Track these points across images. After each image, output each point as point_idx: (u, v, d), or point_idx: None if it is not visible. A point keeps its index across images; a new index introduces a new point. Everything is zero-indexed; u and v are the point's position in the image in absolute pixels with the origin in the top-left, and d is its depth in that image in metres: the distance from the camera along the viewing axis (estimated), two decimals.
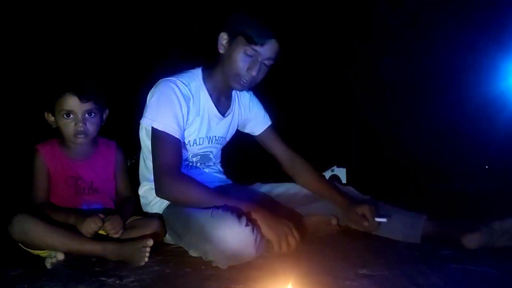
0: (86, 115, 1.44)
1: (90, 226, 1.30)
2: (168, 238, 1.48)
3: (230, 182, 1.71)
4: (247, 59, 1.39)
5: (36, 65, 2.85)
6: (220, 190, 1.50)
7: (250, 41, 1.36)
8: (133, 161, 1.73)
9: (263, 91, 1.64)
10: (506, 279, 1.13)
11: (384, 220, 1.49)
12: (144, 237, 1.26)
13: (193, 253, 1.31)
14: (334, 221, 1.57)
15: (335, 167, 3.14)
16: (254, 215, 1.28)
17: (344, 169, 3.12)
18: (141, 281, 1.10)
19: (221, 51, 1.45)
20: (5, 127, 2.88)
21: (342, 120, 3.87)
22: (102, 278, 1.12)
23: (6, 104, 2.89)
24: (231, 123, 1.64)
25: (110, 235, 1.35)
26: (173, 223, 1.41)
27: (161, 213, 1.51)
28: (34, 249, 1.33)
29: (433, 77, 3.72)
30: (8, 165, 2.68)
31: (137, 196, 1.60)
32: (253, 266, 1.21)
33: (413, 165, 3.70)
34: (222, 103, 1.59)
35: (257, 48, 1.37)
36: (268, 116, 1.71)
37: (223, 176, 1.71)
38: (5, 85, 2.91)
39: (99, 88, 1.47)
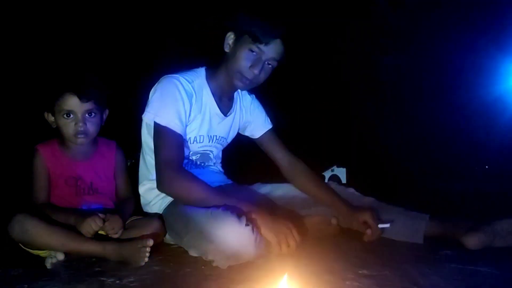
0: (86, 115, 1.44)
1: (90, 226, 1.30)
2: (168, 238, 1.48)
3: (230, 182, 1.71)
4: (251, 57, 1.41)
5: (36, 65, 2.84)
6: (220, 190, 1.51)
7: (255, 39, 1.39)
8: (133, 161, 1.73)
9: (264, 90, 1.64)
10: (506, 279, 1.13)
11: (387, 225, 1.48)
12: (144, 237, 1.26)
13: (193, 253, 1.31)
14: (334, 221, 1.57)
15: (335, 167, 3.13)
16: (254, 216, 1.28)
17: (344, 169, 3.12)
18: (141, 281, 1.10)
19: (227, 50, 1.48)
20: (5, 127, 2.88)
21: (342, 120, 3.87)
22: (102, 278, 1.12)
23: (6, 104, 2.89)
24: (232, 123, 1.65)
25: (109, 235, 1.35)
26: (173, 223, 1.41)
27: (161, 213, 1.51)
28: (34, 249, 1.33)
29: (433, 77, 3.72)
30: (8, 165, 2.67)
31: (137, 196, 1.61)
32: (253, 266, 1.21)
33: (413, 165, 3.70)
34: (224, 103, 1.60)
35: (262, 46, 1.39)
36: (269, 120, 1.72)
37: (223, 176, 1.71)
38: (5, 85, 2.91)
39: (99, 88, 1.47)
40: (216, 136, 1.59)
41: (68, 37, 3.04)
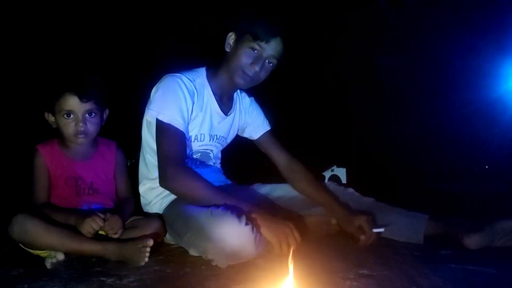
0: (87, 115, 1.44)
1: (90, 226, 1.29)
2: (168, 238, 1.48)
3: (229, 182, 1.71)
4: (252, 54, 1.44)
5: (36, 65, 2.84)
6: (222, 189, 1.51)
7: (256, 37, 1.42)
8: (133, 161, 1.73)
9: (264, 91, 1.65)
10: (506, 279, 1.13)
11: (381, 230, 1.47)
12: (144, 237, 1.26)
13: (193, 252, 1.31)
14: (334, 221, 1.57)
15: (335, 167, 3.13)
16: (254, 215, 1.28)
17: (344, 169, 3.12)
18: (141, 281, 1.10)
19: (228, 49, 1.51)
20: (5, 127, 2.88)
21: (342, 120, 3.87)
22: (102, 278, 1.12)
23: (6, 104, 2.89)
24: (232, 123, 1.66)
25: (109, 235, 1.35)
26: (173, 223, 1.41)
27: (161, 213, 1.51)
28: (34, 249, 1.33)
29: (433, 77, 3.72)
30: (8, 165, 2.67)
31: (137, 196, 1.61)
32: (253, 266, 1.21)
33: (413, 165, 3.70)
34: (225, 103, 1.61)
35: (263, 44, 1.43)
36: (267, 122, 1.74)
37: (222, 176, 1.71)
38: (5, 85, 2.91)
39: (99, 88, 1.47)
40: (216, 135, 1.60)
41: (69, 37, 3.04)
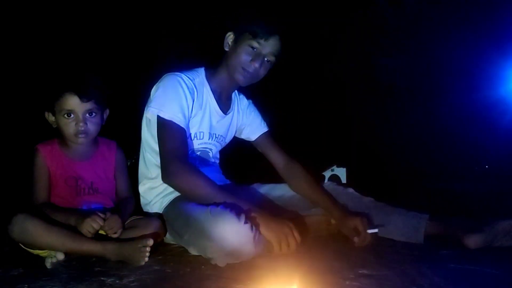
0: (87, 114, 1.44)
1: (90, 225, 1.29)
2: (168, 238, 1.48)
3: (228, 182, 1.71)
4: (252, 52, 1.47)
5: (37, 64, 2.84)
6: (224, 188, 1.51)
7: (255, 35, 1.45)
8: (133, 161, 1.73)
9: (265, 91, 1.65)
10: (506, 279, 1.13)
11: (375, 230, 1.47)
12: (144, 237, 1.26)
13: (192, 251, 1.31)
14: (334, 221, 1.57)
15: (335, 167, 3.13)
16: (254, 214, 1.29)
17: (344, 169, 3.12)
18: (141, 281, 1.10)
19: (227, 49, 1.54)
20: (5, 127, 2.88)
21: (342, 120, 3.87)
22: (102, 278, 1.12)
23: (6, 104, 2.89)
24: (230, 123, 1.67)
25: (109, 235, 1.35)
26: (173, 222, 1.42)
27: (161, 212, 1.51)
28: (34, 249, 1.33)
29: (433, 77, 3.72)
30: (8, 165, 2.67)
31: (137, 196, 1.61)
32: (253, 266, 1.21)
33: (413, 165, 3.70)
34: (223, 102, 1.63)
35: (262, 41, 1.45)
36: (265, 124, 1.75)
37: (221, 176, 1.71)
38: (6, 85, 2.91)
39: (99, 87, 1.47)
40: (215, 134, 1.61)
41: (69, 37, 3.04)
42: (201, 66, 1.61)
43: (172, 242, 1.48)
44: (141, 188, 1.59)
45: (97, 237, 1.32)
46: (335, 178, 3.02)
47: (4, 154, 2.79)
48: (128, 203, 1.54)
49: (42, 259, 1.30)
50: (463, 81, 3.50)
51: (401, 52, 3.67)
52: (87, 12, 3.09)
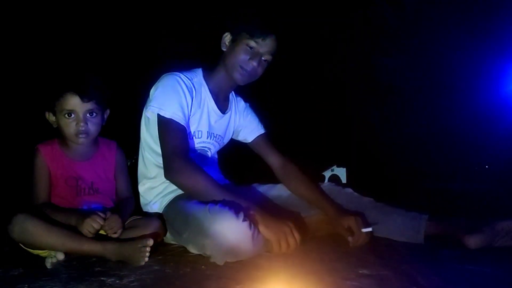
0: (88, 115, 1.45)
1: (90, 225, 1.29)
2: (168, 238, 1.48)
3: (227, 182, 1.71)
4: (249, 51, 1.49)
5: (37, 65, 2.84)
6: (225, 187, 1.52)
7: (253, 35, 1.47)
8: (133, 161, 1.73)
9: (264, 91, 1.66)
10: (506, 279, 1.13)
11: (369, 229, 1.47)
12: (144, 237, 1.26)
13: (191, 249, 1.32)
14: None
15: (335, 167, 3.13)
16: (253, 213, 1.29)
17: (344, 169, 3.12)
18: (141, 281, 1.10)
19: (224, 49, 1.55)
20: (6, 127, 2.88)
21: (342, 120, 3.87)
22: (102, 278, 1.12)
23: (6, 103, 2.89)
24: (228, 123, 1.68)
25: (109, 235, 1.35)
26: (173, 221, 1.43)
27: (161, 212, 1.52)
28: (34, 249, 1.33)
29: (433, 77, 3.72)
30: (8, 165, 2.67)
31: (137, 196, 1.61)
32: (253, 266, 1.21)
33: (413, 165, 3.70)
34: (221, 102, 1.64)
35: (259, 41, 1.48)
36: (262, 126, 1.76)
37: (220, 176, 1.71)
38: (6, 84, 2.91)
39: (100, 88, 1.48)
40: (213, 133, 1.62)
41: (69, 38, 3.04)
42: (198, 67, 1.62)
43: (172, 242, 1.48)
44: (141, 188, 1.59)
45: (97, 237, 1.32)
46: (335, 178, 3.02)
47: (4, 154, 2.79)
48: (128, 203, 1.54)
49: (42, 259, 1.30)
50: (463, 81, 3.50)
51: (401, 52, 3.67)
52: (87, 12, 3.10)
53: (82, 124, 1.43)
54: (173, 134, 1.43)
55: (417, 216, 1.52)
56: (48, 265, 1.26)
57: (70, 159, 1.49)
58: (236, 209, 1.24)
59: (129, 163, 1.68)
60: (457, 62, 3.47)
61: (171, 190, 1.52)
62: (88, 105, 1.43)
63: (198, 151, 1.60)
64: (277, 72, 1.56)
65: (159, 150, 1.50)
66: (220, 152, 1.75)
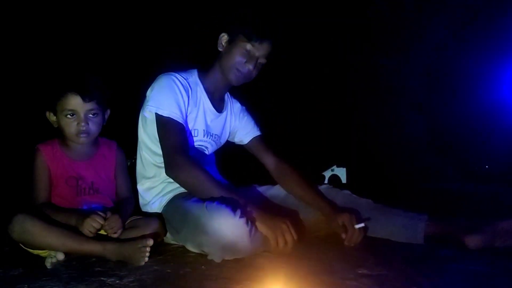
0: (89, 115, 1.45)
1: (90, 225, 1.29)
2: (168, 238, 1.48)
3: (226, 183, 1.71)
4: (246, 53, 1.49)
5: (38, 65, 2.85)
6: (225, 185, 1.52)
7: (250, 38, 1.47)
8: (133, 161, 1.73)
9: (264, 91, 1.66)
10: (506, 279, 1.13)
11: (362, 225, 1.47)
12: (144, 237, 1.26)
13: (189, 247, 1.32)
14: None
15: (335, 167, 3.14)
16: (251, 210, 1.30)
17: (344, 169, 3.12)
18: (141, 281, 1.10)
19: (220, 49, 1.56)
20: (6, 126, 2.88)
21: (342, 120, 3.87)
22: (102, 278, 1.12)
23: (7, 103, 2.89)
24: (225, 122, 1.69)
25: (109, 235, 1.35)
26: (172, 219, 1.43)
27: (160, 211, 1.52)
28: (34, 249, 1.33)
29: (433, 77, 3.72)
30: (8, 165, 2.67)
31: (137, 196, 1.61)
32: (253, 266, 1.21)
33: (413, 165, 3.70)
34: (217, 102, 1.65)
35: (256, 44, 1.48)
36: (257, 128, 1.76)
37: (219, 176, 1.71)
38: (7, 84, 2.91)
39: (101, 88, 1.48)
40: (210, 132, 1.63)
41: (70, 38, 3.04)
42: (193, 68, 1.63)
43: (172, 242, 1.48)
44: (140, 188, 1.60)
45: (97, 237, 1.32)
46: (335, 178, 3.02)
47: (4, 154, 2.79)
48: (128, 203, 1.54)
49: (42, 259, 1.30)
50: (463, 81, 3.51)
51: (401, 52, 3.67)
52: (88, 13, 3.10)
53: (83, 124, 1.43)
54: (173, 132, 1.44)
55: (416, 216, 1.52)
56: (48, 265, 1.26)
57: (70, 159, 1.49)
58: (233, 206, 1.25)
59: (129, 163, 1.68)
60: (457, 62, 3.47)
61: (170, 190, 1.52)
62: (89, 105, 1.43)
63: (196, 150, 1.60)
64: (277, 72, 1.56)
65: (156, 149, 1.50)
66: (218, 153, 1.75)
